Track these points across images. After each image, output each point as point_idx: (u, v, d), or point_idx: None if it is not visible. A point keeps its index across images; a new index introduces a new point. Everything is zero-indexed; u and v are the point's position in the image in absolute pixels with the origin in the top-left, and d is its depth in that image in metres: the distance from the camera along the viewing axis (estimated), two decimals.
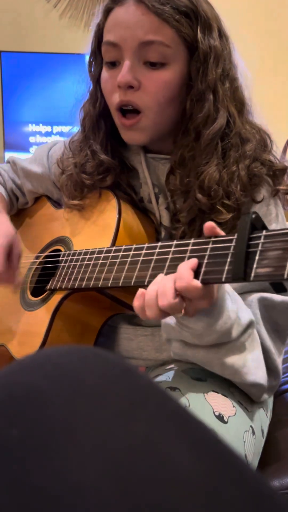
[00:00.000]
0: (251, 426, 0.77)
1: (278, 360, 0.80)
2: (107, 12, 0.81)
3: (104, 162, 0.89)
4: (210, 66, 0.79)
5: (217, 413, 0.73)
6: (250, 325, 0.72)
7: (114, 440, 0.30)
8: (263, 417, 0.83)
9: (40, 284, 0.97)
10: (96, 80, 0.87)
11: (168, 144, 0.87)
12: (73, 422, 0.31)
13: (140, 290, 0.66)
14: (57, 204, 1.08)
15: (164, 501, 0.28)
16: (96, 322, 0.89)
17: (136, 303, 0.66)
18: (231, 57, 0.83)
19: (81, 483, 0.28)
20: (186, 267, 0.62)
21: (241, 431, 0.74)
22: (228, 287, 0.70)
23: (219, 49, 0.80)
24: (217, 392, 0.76)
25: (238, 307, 0.71)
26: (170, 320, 0.71)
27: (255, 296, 0.77)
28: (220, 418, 0.72)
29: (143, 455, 0.30)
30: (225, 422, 0.72)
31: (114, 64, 0.81)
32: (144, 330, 0.91)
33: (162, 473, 0.29)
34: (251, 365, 0.73)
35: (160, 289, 0.63)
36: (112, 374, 0.35)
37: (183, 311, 0.62)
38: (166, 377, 0.80)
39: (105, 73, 0.83)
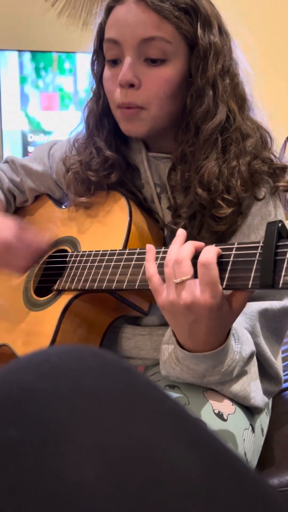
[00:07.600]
0: (250, 424, 0.77)
1: (278, 365, 0.81)
2: (109, 10, 0.82)
3: (109, 158, 0.89)
4: (210, 62, 0.79)
5: (216, 411, 0.73)
6: (250, 356, 0.73)
7: (112, 440, 0.30)
8: (262, 416, 0.84)
9: (43, 284, 0.96)
10: (99, 79, 0.87)
11: (169, 142, 0.87)
12: (71, 422, 0.31)
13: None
14: (59, 203, 1.07)
15: (162, 501, 0.28)
16: (103, 323, 0.89)
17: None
18: (231, 54, 0.83)
19: (80, 482, 0.28)
20: (211, 246, 0.62)
21: (241, 429, 0.74)
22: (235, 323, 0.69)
23: (219, 45, 0.80)
24: (217, 390, 0.76)
25: (242, 344, 0.70)
26: (171, 363, 0.72)
27: (256, 308, 0.76)
28: (219, 416, 0.73)
29: (141, 455, 0.30)
30: (225, 420, 0.72)
31: (115, 62, 0.82)
32: (142, 330, 0.91)
33: (160, 473, 0.29)
34: (249, 389, 0.74)
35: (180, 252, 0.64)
36: (110, 373, 0.35)
37: (190, 276, 0.62)
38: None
39: (107, 72, 0.84)
